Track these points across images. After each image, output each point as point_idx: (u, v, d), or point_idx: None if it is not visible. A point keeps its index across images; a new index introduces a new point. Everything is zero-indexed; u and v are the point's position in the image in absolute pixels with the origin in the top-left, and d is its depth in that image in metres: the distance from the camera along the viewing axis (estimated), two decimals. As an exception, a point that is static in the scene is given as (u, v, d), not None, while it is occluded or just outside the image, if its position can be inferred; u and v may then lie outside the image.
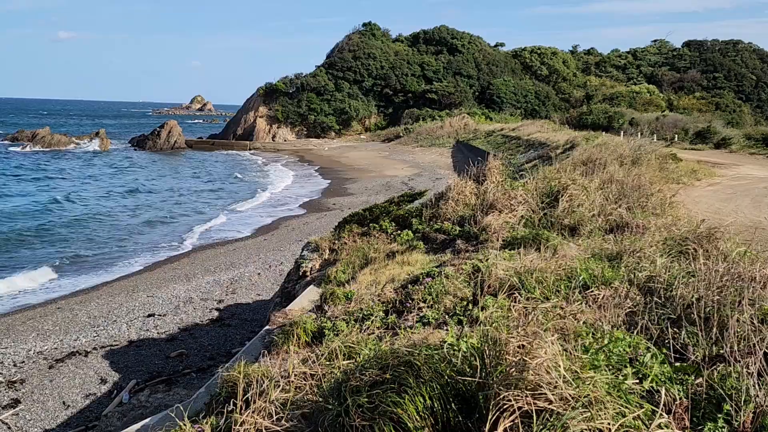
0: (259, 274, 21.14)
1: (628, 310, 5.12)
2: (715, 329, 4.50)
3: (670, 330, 4.60)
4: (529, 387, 3.41)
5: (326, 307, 7.31)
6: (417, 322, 5.76)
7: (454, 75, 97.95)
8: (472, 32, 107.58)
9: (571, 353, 3.91)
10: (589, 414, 3.25)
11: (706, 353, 4.30)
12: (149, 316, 17.02)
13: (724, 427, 3.50)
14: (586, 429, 3.21)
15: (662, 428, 3.31)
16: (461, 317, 5.55)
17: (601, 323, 4.84)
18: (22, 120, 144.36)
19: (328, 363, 4.72)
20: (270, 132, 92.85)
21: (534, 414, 3.30)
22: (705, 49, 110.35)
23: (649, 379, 3.87)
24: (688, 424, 3.56)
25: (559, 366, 3.51)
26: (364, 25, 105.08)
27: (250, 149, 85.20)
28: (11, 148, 75.25)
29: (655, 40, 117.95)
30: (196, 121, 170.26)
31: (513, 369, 3.59)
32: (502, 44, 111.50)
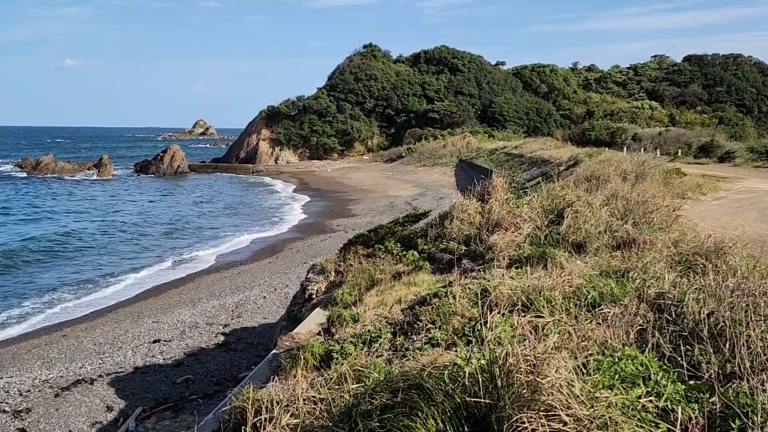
0: (264, 297, 21.08)
1: (638, 328, 5.07)
2: (727, 345, 4.44)
3: (682, 347, 4.54)
4: (542, 408, 3.36)
5: (333, 330, 7.26)
6: (426, 343, 5.70)
7: (455, 94, 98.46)
8: (472, 51, 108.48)
9: (582, 372, 3.86)
10: (605, 435, 3.20)
11: (720, 370, 4.24)
12: (155, 341, 16.95)
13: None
14: (601, 451, 3.15)
15: (679, 448, 3.25)
16: (470, 338, 5.50)
17: (611, 341, 4.79)
18: (27, 148, 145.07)
19: (337, 387, 4.67)
20: (273, 154, 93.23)
21: (548, 436, 3.24)
22: (705, 64, 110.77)
23: (663, 397, 3.81)
24: (704, 443, 3.50)
25: (573, 386, 3.46)
26: (365, 46, 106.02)
27: (252, 172, 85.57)
28: (14, 174, 75.83)
29: (655, 56, 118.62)
30: (200, 145, 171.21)
31: (525, 390, 3.54)
32: (502, 63, 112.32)
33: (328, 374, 5.08)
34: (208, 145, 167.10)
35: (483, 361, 3.96)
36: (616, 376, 3.97)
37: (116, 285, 24.64)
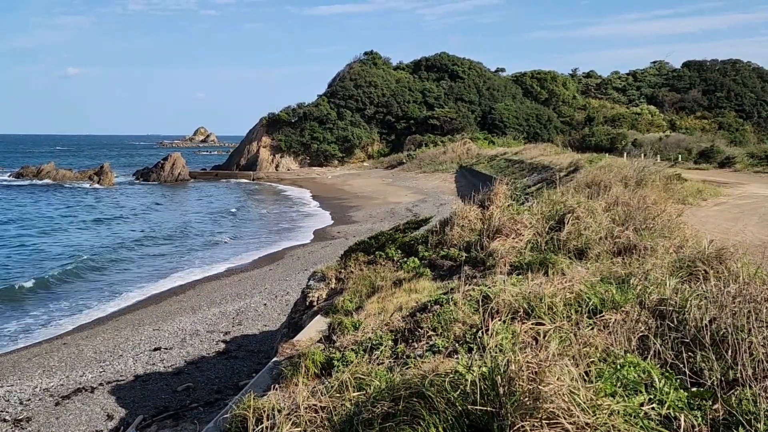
0: (265, 304, 21.04)
1: (640, 335, 5.05)
2: (729, 352, 4.42)
3: (684, 354, 4.52)
4: (544, 416, 3.35)
5: (334, 337, 7.24)
6: (427, 350, 5.69)
7: (455, 101, 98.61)
8: (472, 58, 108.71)
9: (584, 380, 3.85)
10: (607, 443, 3.18)
11: (722, 377, 4.22)
12: (155, 349, 16.91)
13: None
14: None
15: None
16: (471, 345, 5.48)
17: (613, 348, 4.77)
18: (29, 156, 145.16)
19: (338, 395, 4.65)
20: (273, 162, 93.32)
21: (550, 444, 3.23)
22: (705, 69, 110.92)
23: (666, 405, 3.80)
24: (708, 451, 3.48)
25: (575, 393, 3.44)
26: (366, 53, 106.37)
27: (253, 179, 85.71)
28: (15, 182, 76.01)
29: (654, 62, 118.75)
30: (203, 152, 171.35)
31: (527, 397, 3.53)
32: (502, 69, 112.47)
33: (330, 382, 5.07)
34: (217, 153, 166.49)
35: (484, 369, 3.95)
36: (618, 384, 3.96)
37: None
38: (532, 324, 5.29)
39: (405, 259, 10.75)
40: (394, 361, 5.67)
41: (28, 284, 25.13)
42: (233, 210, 52.82)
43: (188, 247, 35.45)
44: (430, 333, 6.09)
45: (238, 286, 24.61)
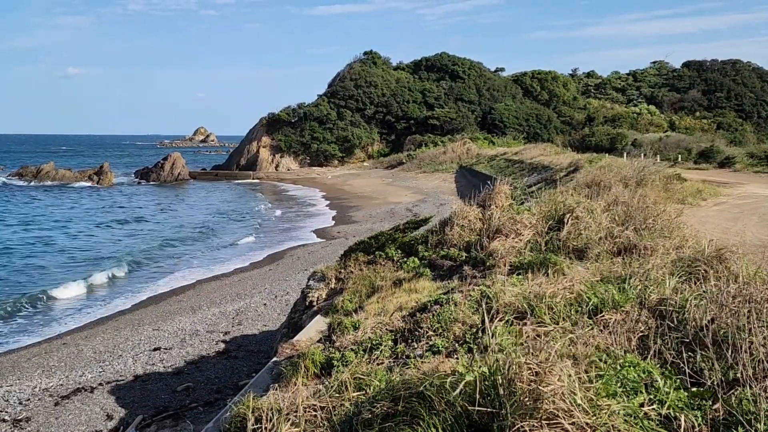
0: (265, 304, 21.03)
1: (640, 334, 5.04)
2: (730, 352, 4.41)
3: (684, 354, 4.52)
4: (544, 417, 3.34)
5: (334, 337, 7.24)
6: (427, 350, 5.68)
7: (455, 101, 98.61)
8: (472, 58, 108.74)
9: (584, 380, 3.84)
10: (607, 443, 3.18)
11: (722, 377, 4.22)
12: (155, 349, 16.90)
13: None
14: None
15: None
16: (471, 345, 5.48)
17: (613, 348, 4.76)
18: (33, 156, 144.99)
19: (338, 395, 4.65)
20: (273, 162, 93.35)
21: (550, 445, 3.22)
22: (704, 69, 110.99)
23: (666, 405, 3.79)
24: (708, 451, 3.47)
25: (575, 394, 3.44)
26: (366, 53, 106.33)
27: (253, 179, 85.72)
28: (15, 183, 76.03)
29: (654, 62, 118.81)
30: (204, 152, 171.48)
31: (527, 398, 3.52)
32: (502, 69, 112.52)
33: (329, 382, 5.06)
34: (217, 153, 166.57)
35: (484, 369, 3.95)
36: (618, 384, 3.95)
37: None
38: (532, 324, 5.28)
39: (405, 259, 10.74)
40: (394, 362, 5.67)
41: (74, 287, 24.99)
42: (244, 210, 52.62)
43: (210, 247, 35.41)
44: (430, 333, 6.08)
45: (238, 286, 24.61)
